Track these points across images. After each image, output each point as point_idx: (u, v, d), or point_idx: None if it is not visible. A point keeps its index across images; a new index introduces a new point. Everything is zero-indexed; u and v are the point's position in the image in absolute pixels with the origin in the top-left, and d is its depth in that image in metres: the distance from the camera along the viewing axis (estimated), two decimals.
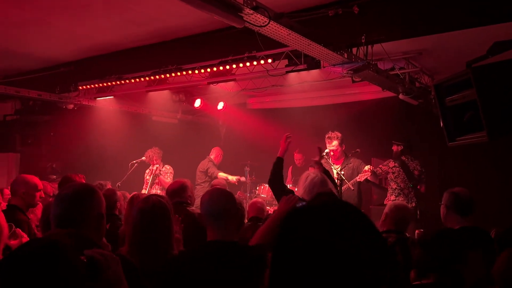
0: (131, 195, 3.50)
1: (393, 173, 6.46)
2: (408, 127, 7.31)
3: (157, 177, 7.19)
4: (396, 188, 6.42)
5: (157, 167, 7.16)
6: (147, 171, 7.41)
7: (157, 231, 2.45)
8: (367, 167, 5.67)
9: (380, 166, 6.55)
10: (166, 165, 7.36)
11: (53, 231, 2.06)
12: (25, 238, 2.84)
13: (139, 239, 2.44)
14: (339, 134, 5.74)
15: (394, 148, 6.67)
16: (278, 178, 3.89)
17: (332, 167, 5.67)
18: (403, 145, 6.59)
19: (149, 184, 7.21)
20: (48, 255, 1.28)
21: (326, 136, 5.78)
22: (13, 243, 2.79)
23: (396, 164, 6.46)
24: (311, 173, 3.54)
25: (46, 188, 4.94)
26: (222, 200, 2.28)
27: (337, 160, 5.82)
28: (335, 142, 5.70)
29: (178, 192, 3.74)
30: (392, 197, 6.33)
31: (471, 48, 3.88)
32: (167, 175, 7.22)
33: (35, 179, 3.79)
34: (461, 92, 3.58)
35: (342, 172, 5.49)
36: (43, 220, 2.86)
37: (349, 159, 5.81)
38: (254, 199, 4.47)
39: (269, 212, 7.13)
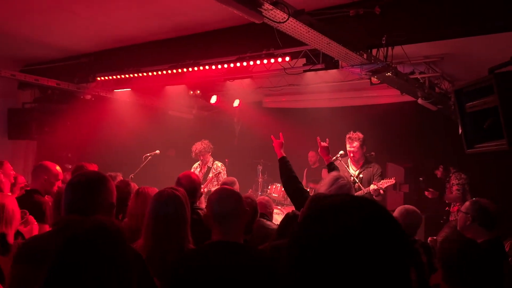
0: (137, 188, 3.50)
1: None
2: (426, 133, 7.20)
3: (215, 176, 6.65)
4: None
5: (214, 165, 6.72)
6: (195, 165, 7.04)
7: (172, 223, 2.45)
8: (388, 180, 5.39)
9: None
10: (216, 162, 6.88)
11: (64, 217, 2.07)
12: (35, 225, 2.88)
13: (153, 230, 2.44)
14: (361, 135, 5.36)
15: (439, 173, 6.65)
16: (289, 176, 3.75)
17: (350, 168, 5.49)
18: (442, 166, 6.56)
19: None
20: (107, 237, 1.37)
21: (347, 136, 5.42)
22: (25, 230, 2.83)
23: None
24: (342, 178, 3.35)
25: (65, 177, 5.03)
26: (231, 201, 2.21)
27: (357, 163, 5.49)
28: (355, 143, 5.32)
29: (194, 190, 3.57)
30: None
31: (493, 55, 3.79)
32: (221, 174, 6.71)
33: (57, 168, 3.90)
34: (482, 98, 3.50)
35: (361, 176, 5.33)
36: (55, 205, 2.89)
37: (369, 163, 5.47)
38: (261, 196, 4.45)
39: (281, 211, 7.12)
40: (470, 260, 2.17)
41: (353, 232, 0.85)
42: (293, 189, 3.65)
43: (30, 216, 2.98)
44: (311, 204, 2.53)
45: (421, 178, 7.18)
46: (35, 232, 2.95)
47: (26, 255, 2.01)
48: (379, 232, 0.87)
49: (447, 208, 6.58)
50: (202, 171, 6.94)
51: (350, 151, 5.39)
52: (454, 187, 6.35)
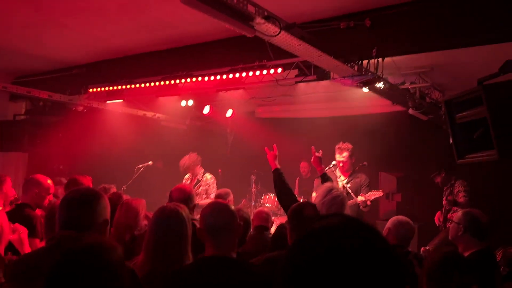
0: (122, 201, 3.51)
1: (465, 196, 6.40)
2: (417, 142, 7.26)
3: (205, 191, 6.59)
4: None
5: (204, 178, 6.67)
6: (186, 177, 7.02)
7: (173, 239, 2.43)
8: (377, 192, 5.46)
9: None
10: (206, 174, 6.81)
11: (59, 233, 2.07)
12: (24, 233, 2.88)
13: (153, 246, 2.42)
14: (350, 146, 5.56)
15: (438, 180, 6.65)
16: (283, 188, 3.80)
17: (339, 179, 5.57)
18: (444, 171, 6.57)
19: None
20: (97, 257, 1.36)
21: (337, 146, 5.60)
22: (14, 238, 2.83)
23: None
24: (336, 189, 3.39)
25: (57, 190, 4.99)
26: (224, 215, 2.20)
27: (345, 172, 5.63)
28: (345, 153, 5.51)
29: (185, 202, 3.56)
30: None
31: (483, 65, 3.85)
32: (211, 188, 6.64)
33: (49, 182, 3.87)
34: (472, 109, 3.54)
35: (348, 185, 5.39)
36: (47, 222, 2.86)
37: (357, 173, 5.62)
38: (260, 208, 4.44)
39: (275, 221, 7.11)
40: (452, 271, 2.19)
41: (348, 251, 0.87)
42: (287, 200, 3.67)
43: (16, 224, 2.97)
44: (294, 216, 2.58)
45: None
46: (25, 240, 2.93)
47: (20, 273, 2.00)
48: (375, 252, 0.89)
49: (449, 215, 6.58)
50: (191, 184, 6.89)
51: (339, 161, 5.53)
52: (461, 194, 6.40)
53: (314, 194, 5.85)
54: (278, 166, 3.92)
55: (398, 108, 6.30)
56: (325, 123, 7.85)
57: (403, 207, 7.07)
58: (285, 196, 3.72)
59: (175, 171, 7.41)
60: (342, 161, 5.54)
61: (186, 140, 9.16)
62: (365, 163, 5.87)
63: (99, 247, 1.37)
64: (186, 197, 3.57)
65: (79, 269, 1.33)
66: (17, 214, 3.46)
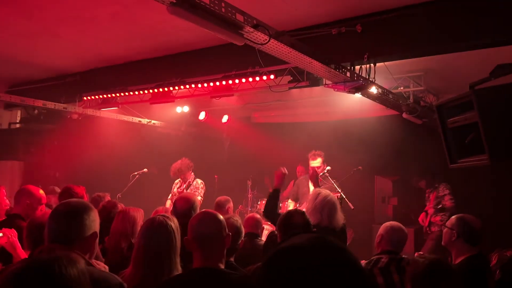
0: (120, 209, 3.50)
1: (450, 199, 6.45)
2: (412, 145, 7.25)
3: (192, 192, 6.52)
4: None
5: (194, 183, 6.66)
6: (176, 181, 7.00)
7: (162, 251, 2.42)
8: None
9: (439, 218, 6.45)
10: (197, 179, 6.79)
11: (47, 246, 2.06)
12: (14, 236, 2.89)
13: (142, 259, 2.41)
14: (322, 153, 5.87)
15: (423, 185, 6.70)
16: (272, 211, 3.92)
17: (310, 184, 5.70)
18: (431, 174, 6.66)
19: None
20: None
21: (311, 153, 5.88)
22: (3, 241, 2.83)
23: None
24: (324, 191, 3.42)
25: (50, 199, 4.97)
26: (212, 226, 2.19)
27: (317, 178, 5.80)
28: (319, 159, 5.79)
29: (187, 213, 3.51)
30: None
31: (477, 69, 3.86)
32: (199, 191, 6.64)
33: (41, 192, 3.85)
34: (463, 114, 3.55)
35: None
36: (30, 234, 2.83)
37: (325, 180, 5.73)
38: (250, 214, 4.43)
39: (266, 226, 7.08)
40: (437, 279, 2.18)
41: (314, 269, 0.87)
42: (272, 218, 3.81)
43: (4, 228, 2.96)
44: (283, 224, 2.58)
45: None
46: (16, 243, 2.93)
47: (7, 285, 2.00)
48: (341, 269, 0.90)
49: (432, 219, 6.58)
50: (181, 187, 6.87)
51: (313, 167, 5.68)
52: (447, 197, 6.41)
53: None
54: (279, 188, 4.11)
55: (393, 112, 6.30)
56: (320, 128, 7.84)
57: (399, 211, 7.06)
58: (271, 214, 3.91)
59: (171, 178, 7.41)
60: (317, 167, 5.74)
61: (182, 146, 9.14)
62: (359, 167, 5.89)
63: (56, 261, 1.35)
64: (189, 207, 3.59)
65: (31, 285, 1.31)
66: (8, 225, 3.44)
